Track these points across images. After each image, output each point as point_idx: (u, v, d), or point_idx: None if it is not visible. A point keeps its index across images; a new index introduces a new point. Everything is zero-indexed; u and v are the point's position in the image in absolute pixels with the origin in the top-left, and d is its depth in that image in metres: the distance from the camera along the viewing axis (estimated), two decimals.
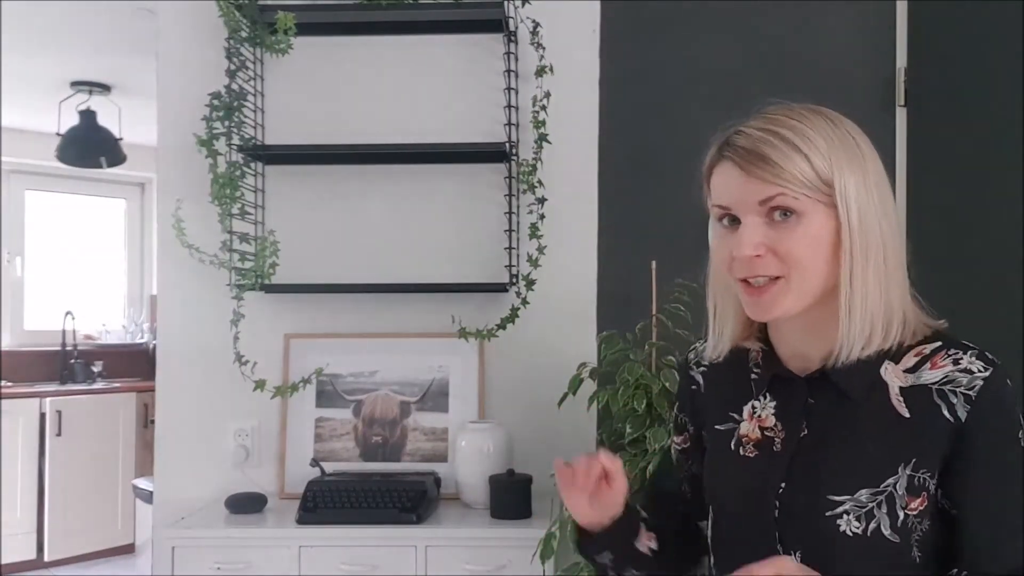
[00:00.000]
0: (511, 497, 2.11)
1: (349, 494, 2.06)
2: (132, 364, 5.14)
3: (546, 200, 2.29)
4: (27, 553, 4.40)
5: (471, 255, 2.38)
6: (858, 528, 0.93)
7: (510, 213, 2.30)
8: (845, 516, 0.94)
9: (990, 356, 0.96)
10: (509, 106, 2.30)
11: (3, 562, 4.27)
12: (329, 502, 2.05)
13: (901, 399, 0.95)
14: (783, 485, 0.98)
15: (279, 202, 2.43)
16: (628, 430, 1.96)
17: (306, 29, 2.27)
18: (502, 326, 2.27)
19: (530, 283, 2.26)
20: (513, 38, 2.31)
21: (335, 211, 2.43)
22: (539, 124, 2.26)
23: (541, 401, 2.31)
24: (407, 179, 2.42)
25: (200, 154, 2.17)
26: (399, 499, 2.06)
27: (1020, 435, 0.93)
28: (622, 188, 2.37)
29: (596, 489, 1.05)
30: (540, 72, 2.27)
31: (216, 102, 2.20)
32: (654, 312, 2.09)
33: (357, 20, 2.33)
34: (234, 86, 2.23)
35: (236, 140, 2.23)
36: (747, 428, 1.04)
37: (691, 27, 2.30)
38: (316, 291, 2.35)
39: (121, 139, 4.38)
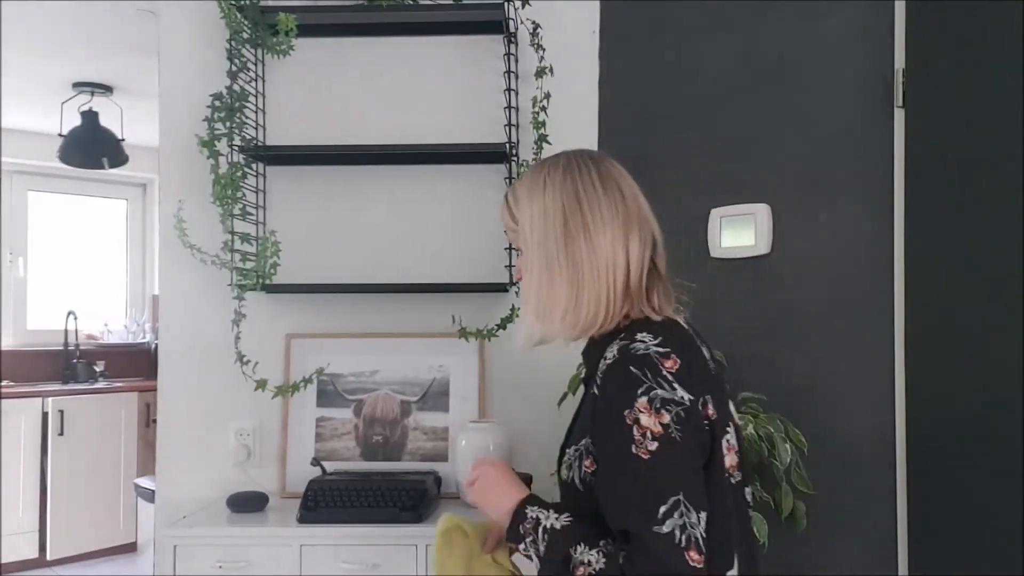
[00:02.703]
0: None
1: (350, 493, 2.07)
2: (134, 364, 5.15)
3: None
4: (29, 552, 4.41)
5: (471, 255, 2.39)
6: (565, 476, 1.22)
7: None
8: (563, 466, 1.23)
9: (636, 344, 1.13)
10: (509, 107, 2.30)
11: (5, 561, 4.28)
12: (330, 501, 2.06)
13: (599, 378, 1.15)
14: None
15: (280, 202, 2.44)
16: None
17: (307, 30, 2.28)
18: (502, 326, 2.27)
19: None
20: (513, 39, 2.31)
21: (336, 211, 2.44)
22: (539, 125, 2.27)
23: (541, 401, 2.32)
24: (407, 180, 2.43)
25: (201, 155, 2.18)
26: (400, 498, 2.06)
27: (627, 414, 1.08)
28: None
29: None
30: (540, 73, 2.28)
31: (217, 103, 2.21)
32: None
33: (358, 21, 2.34)
34: (235, 87, 2.24)
35: (237, 141, 2.24)
36: None
37: (691, 27, 2.31)
38: (317, 291, 2.36)
39: (123, 140, 4.39)
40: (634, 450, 1.07)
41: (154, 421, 2.61)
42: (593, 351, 1.23)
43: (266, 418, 2.39)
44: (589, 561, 1.08)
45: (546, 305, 1.20)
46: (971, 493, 1.86)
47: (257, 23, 2.26)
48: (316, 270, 2.40)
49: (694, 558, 1.04)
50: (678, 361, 1.12)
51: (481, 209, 2.40)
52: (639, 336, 1.14)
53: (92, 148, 4.30)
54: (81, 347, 5.01)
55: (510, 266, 2.30)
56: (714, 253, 2.23)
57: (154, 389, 2.49)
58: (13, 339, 4.91)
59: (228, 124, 2.21)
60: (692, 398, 1.10)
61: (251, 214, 2.34)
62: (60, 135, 4.27)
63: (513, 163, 2.32)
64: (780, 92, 2.20)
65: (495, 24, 2.29)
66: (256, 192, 2.38)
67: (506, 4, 2.24)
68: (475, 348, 2.37)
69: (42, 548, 4.44)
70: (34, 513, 4.42)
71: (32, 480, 4.40)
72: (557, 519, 1.15)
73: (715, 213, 2.23)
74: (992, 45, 1.85)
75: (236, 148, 2.24)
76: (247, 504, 2.16)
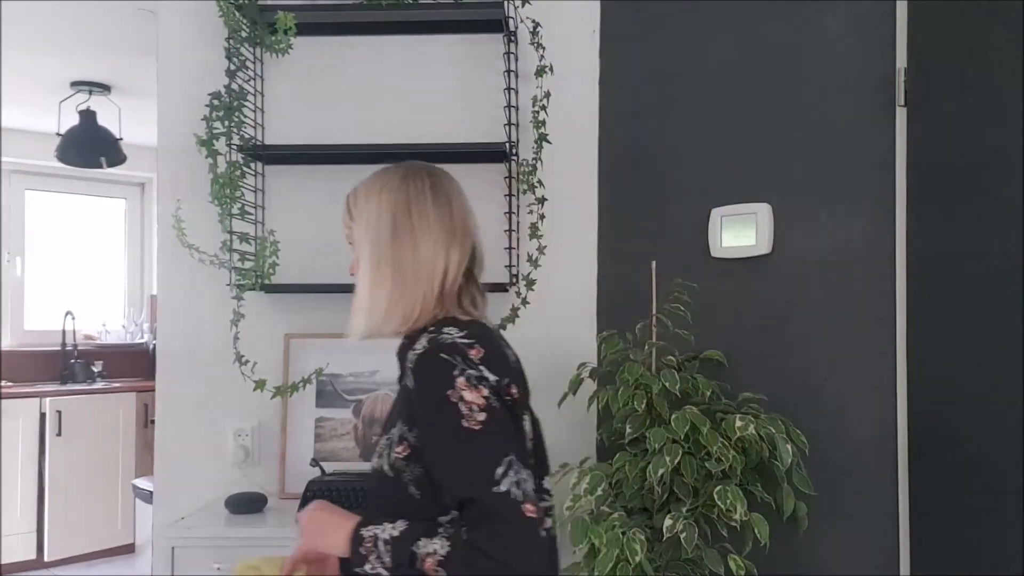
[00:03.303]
0: None
1: (349, 494, 2.06)
2: (132, 364, 5.14)
3: (546, 200, 2.29)
4: (27, 553, 4.40)
5: None
6: (376, 464, 1.30)
7: (510, 213, 2.30)
8: (375, 456, 1.31)
9: (443, 336, 1.23)
10: (509, 106, 2.29)
11: (3, 562, 4.27)
12: (329, 502, 2.05)
13: (411, 368, 1.25)
14: None
15: (279, 202, 2.43)
16: (628, 430, 1.96)
17: (306, 29, 2.27)
18: (502, 326, 2.26)
19: (530, 283, 2.26)
20: (513, 38, 2.31)
21: (335, 211, 2.41)
22: (539, 124, 2.26)
23: (541, 401, 2.30)
24: None
25: (200, 154, 2.17)
26: None
27: (450, 394, 1.17)
28: (622, 188, 2.37)
29: None
30: (540, 72, 2.27)
31: (216, 102, 2.20)
32: (654, 312, 2.09)
33: (357, 20, 2.34)
34: (234, 86, 2.23)
35: (236, 140, 2.24)
36: None
37: (691, 27, 2.30)
38: (316, 291, 2.35)
39: (121, 139, 4.38)
40: (465, 424, 1.17)
41: (152, 422, 2.61)
42: (404, 347, 1.34)
43: (265, 418, 2.38)
44: (434, 550, 1.15)
45: (372, 300, 1.31)
46: (972, 493, 1.86)
47: (256, 22, 2.26)
48: (315, 270, 2.39)
49: (530, 509, 1.14)
50: (482, 351, 1.23)
51: (481, 209, 2.35)
52: (446, 330, 1.26)
53: (90, 147, 4.28)
54: (79, 347, 5.00)
55: (510, 266, 2.29)
56: (714, 253, 2.23)
57: (152, 389, 2.48)
58: (11, 339, 4.89)
59: (227, 123, 2.21)
60: (497, 378, 1.22)
61: (250, 214, 2.33)
62: (58, 134, 4.26)
63: (513, 162, 2.31)
64: (781, 91, 2.20)
65: (495, 23, 2.28)
66: (255, 191, 2.37)
67: (506, 3, 2.24)
68: None
69: (40, 549, 4.43)
70: (32, 514, 4.41)
71: (30, 481, 4.39)
72: (393, 527, 1.21)
73: (715, 213, 2.22)
74: (994, 44, 1.84)
75: (235, 147, 2.24)
76: (246, 505, 2.16)
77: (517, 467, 1.16)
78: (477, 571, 1.13)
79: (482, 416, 1.17)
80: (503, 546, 1.12)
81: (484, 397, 1.18)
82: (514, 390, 1.25)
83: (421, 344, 1.25)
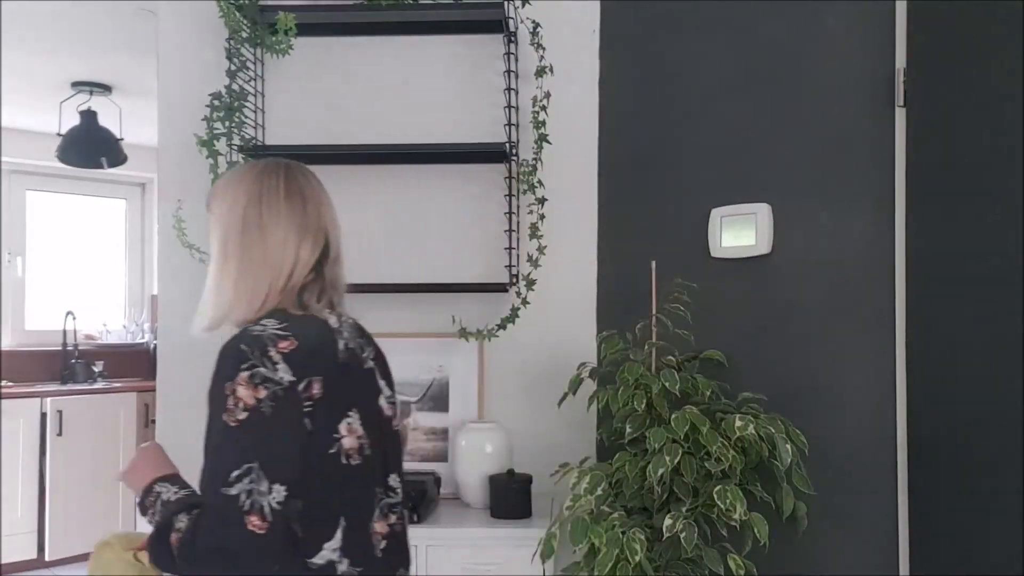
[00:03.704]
0: (511, 497, 2.11)
1: None
2: (133, 364, 5.14)
3: (546, 200, 2.29)
4: (28, 553, 4.40)
5: (471, 255, 2.39)
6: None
7: (510, 213, 2.30)
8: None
9: (256, 327, 1.23)
10: (509, 106, 2.30)
11: (4, 562, 4.27)
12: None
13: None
14: None
15: None
16: (628, 430, 1.96)
17: (306, 29, 2.28)
18: (502, 326, 2.27)
19: (530, 283, 2.26)
20: (513, 38, 2.31)
21: (335, 211, 2.43)
22: (539, 124, 2.26)
23: (541, 401, 2.32)
24: (407, 179, 2.42)
25: (201, 154, 2.17)
26: None
27: (227, 385, 1.17)
28: (622, 188, 2.37)
29: None
30: (540, 72, 2.27)
31: (216, 102, 2.20)
32: (654, 312, 2.09)
33: (357, 20, 2.34)
34: (234, 86, 2.23)
35: (236, 140, 2.24)
36: None
37: (691, 27, 2.30)
38: None
39: (122, 139, 4.38)
40: (224, 418, 1.17)
41: (153, 421, 2.61)
42: None
43: None
44: (180, 527, 1.18)
45: (218, 293, 1.33)
46: (972, 493, 1.86)
47: (256, 22, 2.26)
48: None
49: (255, 523, 1.14)
50: (295, 343, 1.22)
51: (481, 209, 2.39)
52: (264, 320, 1.25)
53: (91, 148, 4.28)
54: (80, 347, 5.00)
55: (510, 266, 2.29)
56: (714, 253, 2.23)
57: (153, 389, 2.48)
58: (11, 339, 4.89)
59: (227, 123, 2.21)
60: (294, 379, 1.20)
61: None
62: (59, 134, 4.26)
63: (513, 163, 2.32)
64: (781, 91, 2.20)
65: (495, 23, 2.28)
66: None
67: (506, 3, 2.24)
68: (475, 348, 2.36)
69: (40, 548, 4.43)
70: (32, 514, 4.41)
71: (30, 480, 4.39)
72: (176, 493, 1.26)
73: (715, 213, 2.22)
74: (993, 44, 1.84)
75: (235, 147, 2.24)
76: None
77: (258, 477, 1.15)
78: (188, 557, 1.17)
79: (243, 415, 1.16)
80: (207, 546, 1.15)
81: (257, 398, 1.17)
82: (316, 390, 1.22)
83: (233, 331, 1.27)
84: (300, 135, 2.41)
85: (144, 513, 1.27)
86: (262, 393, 1.17)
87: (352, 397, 1.30)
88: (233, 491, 1.14)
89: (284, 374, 1.19)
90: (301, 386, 1.21)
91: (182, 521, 1.18)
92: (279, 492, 1.16)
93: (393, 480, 1.37)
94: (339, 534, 1.25)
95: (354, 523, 1.27)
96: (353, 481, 1.28)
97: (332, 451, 1.24)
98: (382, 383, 1.41)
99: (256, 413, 1.17)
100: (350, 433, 1.27)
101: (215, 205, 1.37)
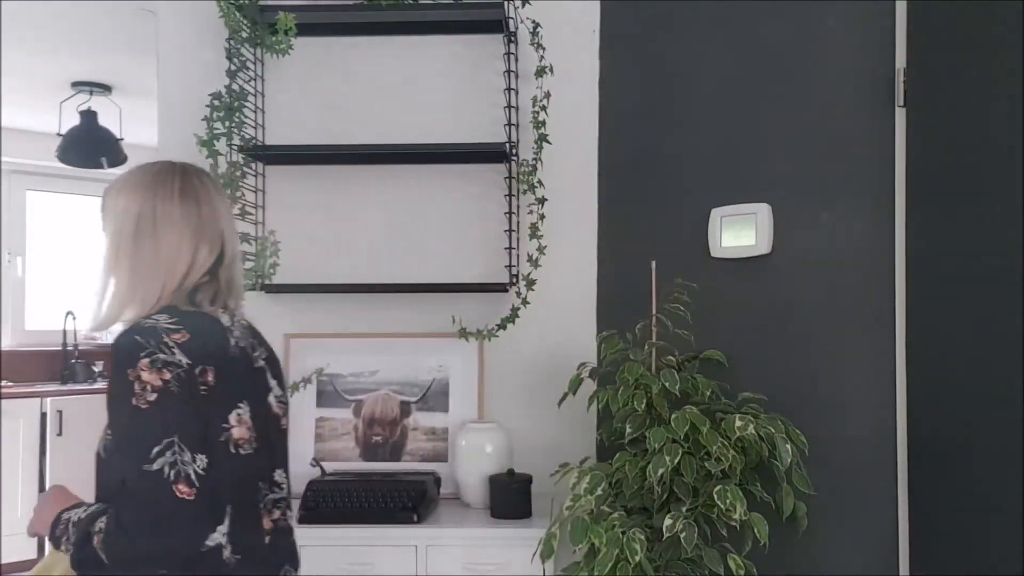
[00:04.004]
0: (511, 497, 2.11)
1: (349, 494, 2.07)
2: None
3: (546, 200, 2.29)
4: (27, 553, 4.40)
5: (471, 255, 2.39)
6: (98, 449, 1.32)
7: (510, 213, 2.30)
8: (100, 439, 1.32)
9: (148, 320, 1.26)
10: (509, 106, 2.30)
11: (4, 562, 4.27)
12: (329, 502, 2.06)
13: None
14: None
15: (279, 202, 2.43)
16: (628, 430, 1.96)
17: (306, 30, 2.28)
18: (502, 326, 2.27)
19: (530, 283, 2.26)
20: (513, 38, 2.31)
21: (335, 211, 2.44)
22: (539, 124, 2.26)
23: (541, 401, 2.32)
24: (407, 179, 2.42)
25: (201, 154, 2.17)
26: (399, 499, 2.06)
27: (130, 372, 1.20)
28: (622, 188, 2.37)
29: None
30: (540, 72, 2.27)
31: (216, 102, 2.20)
32: (654, 312, 2.09)
33: (357, 20, 2.34)
34: (234, 86, 2.23)
35: (236, 140, 2.24)
36: None
37: (691, 27, 2.30)
38: (316, 291, 2.35)
39: (122, 139, 4.38)
40: (134, 402, 1.20)
41: None
42: None
43: None
44: (100, 528, 1.20)
45: (110, 288, 1.35)
46: (972, 493, 1.86)
47: (256, 22, 2.26)
48: (315, 270, 2.40)
49: (183, 490, 1.18)
50: (186, 335, 1.26)
51: (481, 209, 2.39)
52: (155, 316, 1.29)
53: (91, 148, 4.28)
54: (80, 347, 5.00)
55: (510, 266, 2.30)
56: (714, 253, 2.23)
57: None
58: (12, 339, 4.89)
59: (227, 123, 2.21)
60: (191, 363, 1.23)
61: (250, 214, 2.34)
62: (59, 134, 4.25)
63: (513, 163, 2.32)
64: (781, 92, 2.20)
65: (495, 23, 2.28)
66: (255, 192, 2.37)
67: (506, 3, 2.24)
68: (475, 348, 2.36)
69: (40, 549, 4.43)
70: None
71: (31, 480, 4.39)
72: (84, 511, 1.26)
73: (715, 213, 2.22)
74: (993, 44, 1.84)
75: (235, 148, 2.24)
76: None
77: (180, 449, 1.19)
78: (118, 546, 1.18)
79: (153, 396, 1.19)
80: (137, 523, 1.17)
81: (163, 380, 1.20)
82: (210, 378, 1.25)
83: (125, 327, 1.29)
84: (300, 135, 2.41)
85: (58, 547, 1.27)
86: (167, 375, 1.21)
87: (243, 391, 1.34)
88: (155, 466, 1.17)
89: (182, 357, 1.23)
90: (197, 370, 1.24)
91: (100, 523, 1.20)
92: (202, 460, 1.21)
93: (279, 475, 1.41)
94: (227, 520, 1.28)
95: (240, 511, 1.30)
96: (241, 470, 1.31)
97: (222, 439, 1.28)
98: (273, 382, 1.44)
99: (166, 392, 1.20)
100: (240, 423, 1.30)
101: (109, 204, 1.39)
